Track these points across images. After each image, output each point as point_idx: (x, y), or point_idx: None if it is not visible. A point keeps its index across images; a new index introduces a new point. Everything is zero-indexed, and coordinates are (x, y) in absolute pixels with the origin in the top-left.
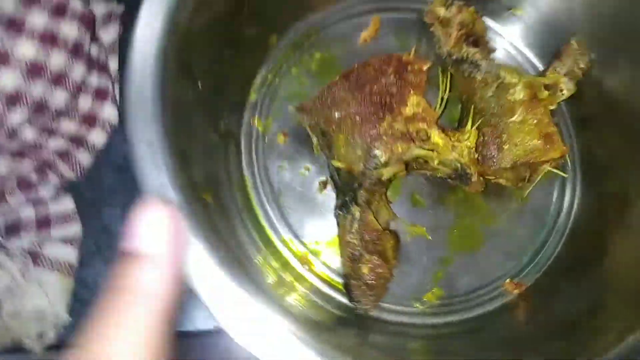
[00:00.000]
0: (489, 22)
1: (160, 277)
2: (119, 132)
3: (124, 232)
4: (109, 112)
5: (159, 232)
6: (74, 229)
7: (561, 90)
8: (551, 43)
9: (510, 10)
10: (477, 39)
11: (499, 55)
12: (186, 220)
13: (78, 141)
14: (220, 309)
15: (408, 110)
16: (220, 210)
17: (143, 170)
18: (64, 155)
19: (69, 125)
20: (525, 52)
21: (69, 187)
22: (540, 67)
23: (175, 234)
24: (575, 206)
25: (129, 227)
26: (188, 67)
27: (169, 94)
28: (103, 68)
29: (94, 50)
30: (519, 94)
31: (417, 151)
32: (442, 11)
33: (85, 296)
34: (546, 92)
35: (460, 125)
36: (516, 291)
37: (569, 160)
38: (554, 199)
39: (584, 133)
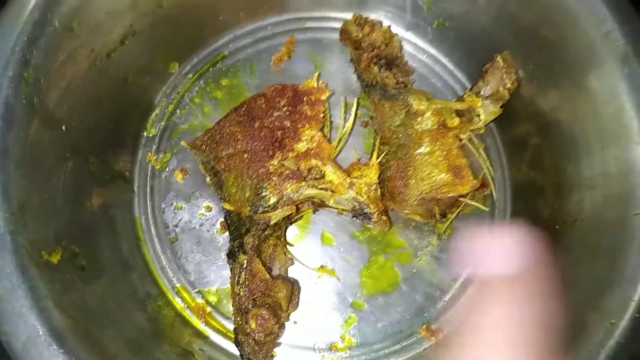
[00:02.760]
0: (413, 39)
1: None
2: None
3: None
4: None
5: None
6: None
7: (478, 115)
8: (481, 60)
9: (434, 26)
10: (391, 60)
11: (424, 77)
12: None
13: None
14: None
15: (301, 146)
16: (80, 268)
17: None
18: None
19: None
20: (455, 72)
21: None
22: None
23: None
24: None
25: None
26: (45, 110)
27: (13, 141)
28: None
29: None
30: (426, 122)
31: (308, 191)
32: (354, 30)
33: None
34: (457, 120)
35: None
36: (433, 338)
37: (494, 191)
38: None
39: (516, 156)
